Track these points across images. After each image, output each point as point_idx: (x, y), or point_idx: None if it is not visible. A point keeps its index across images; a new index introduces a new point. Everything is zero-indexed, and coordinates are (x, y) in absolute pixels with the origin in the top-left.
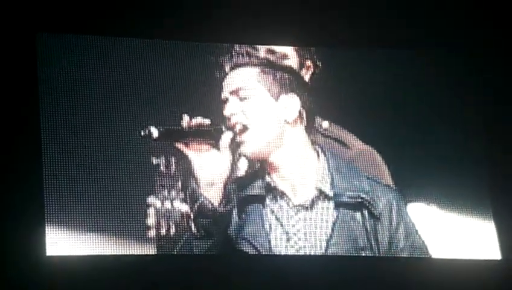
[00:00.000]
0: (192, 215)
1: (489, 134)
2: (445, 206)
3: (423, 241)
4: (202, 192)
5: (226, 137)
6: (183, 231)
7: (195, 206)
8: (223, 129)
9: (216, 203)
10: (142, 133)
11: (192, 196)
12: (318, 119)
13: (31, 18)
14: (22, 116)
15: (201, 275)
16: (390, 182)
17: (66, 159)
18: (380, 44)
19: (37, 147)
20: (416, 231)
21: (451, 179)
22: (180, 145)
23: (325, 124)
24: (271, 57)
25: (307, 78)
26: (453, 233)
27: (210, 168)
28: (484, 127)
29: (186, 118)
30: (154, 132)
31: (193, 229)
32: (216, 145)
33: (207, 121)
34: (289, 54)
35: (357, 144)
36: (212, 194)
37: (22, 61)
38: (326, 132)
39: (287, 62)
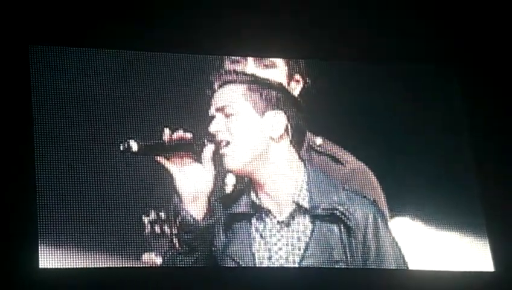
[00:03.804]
0: (175, 231)
1: (481, 147)
2: (437, 221)
3: (403, 256)
4: (185, 207)
5: (208, 150)
6: (168, 247)
7: (177, 221)
8: (205, 142)
9: (199, 218)
10: (121, 148)
11: (174, 211)
12: (311, 136)
13: (23, 31)
14: (14, 130)
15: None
16: (381, 196)
17: (59, 170)
18: (371, 58)
19: (30, 159)
20: (396, 244)
21: (443, 192)
22: (162, 159)
23: (319, 140)
24: (259, 73)
25: (296, 92)
26: (445, 246)
27: (193, 182)
28: (475, 139)
29: (167, 132)
30: (134, 146)
31: (176, 245)
32: (198, 159)
33: (188, 135)
34: (278, 64)
35: (350, 160)
36: (195, 208)
37: (15, 74)
38: (320, 148)
39: (275, 74)
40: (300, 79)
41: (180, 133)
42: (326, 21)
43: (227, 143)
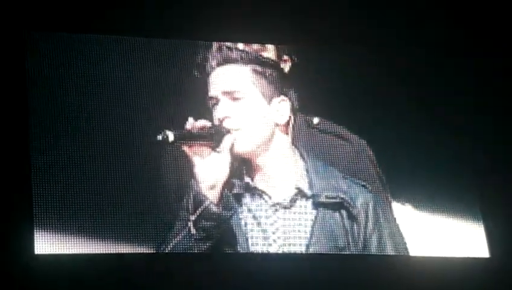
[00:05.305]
0: (193, 217)
1: (477, 133)
2: (433, 207)
3: (403, 241)
4: (205, 194)
5: (228, 140)
6: (180, 231)
7: (199, 209)
8: (224, 132)
9: (217, 206)
10: (160, 138)
11: (195, 199)
12: (306, 116)
13: (19, 16)
14: (9, 115)
15: (179, 274)
16: (379, 182)
17: (54, 156)
18: (374, 45)
19: (25, 145)
20: (395, 231)
21: (439, 178)
22: (185, 148)
23: (316, 120)
24: (252, 51)
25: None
26: (441, 232)
27: (211, 170)
28: (472, 126)
29: (191, 121)
30: (170, 136)
31: (192, 230)
32: (216, 148)
33: (209, 124)
34: (268, 48)
35: (350, 142)
36: (212, 196)
37: (10, 60)
38: (320, 127)
39: (266, 55)
40: (288, 59)
41: (202, 122)
42: (316, 6)
43: (236, 130)
